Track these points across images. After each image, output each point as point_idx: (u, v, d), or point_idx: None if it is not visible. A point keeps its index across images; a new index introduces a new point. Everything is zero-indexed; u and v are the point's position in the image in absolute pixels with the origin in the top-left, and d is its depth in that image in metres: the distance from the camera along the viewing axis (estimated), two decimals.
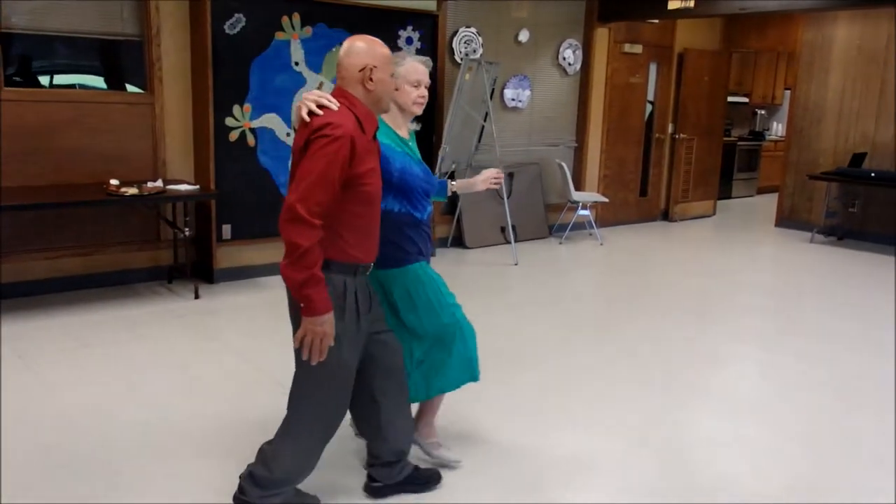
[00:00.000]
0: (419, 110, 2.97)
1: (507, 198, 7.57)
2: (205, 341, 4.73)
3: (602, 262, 7.65)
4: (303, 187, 2.35)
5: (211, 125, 5.77)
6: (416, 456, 3.15)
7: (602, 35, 8.59)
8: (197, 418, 3.63)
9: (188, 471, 3.14)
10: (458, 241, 7.79)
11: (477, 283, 6.45)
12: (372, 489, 2.99)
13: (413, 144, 3.05)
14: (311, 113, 2.45)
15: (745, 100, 12.55)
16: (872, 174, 8.19)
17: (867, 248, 8.42)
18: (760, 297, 6.36)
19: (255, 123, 6.01)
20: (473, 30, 7.44)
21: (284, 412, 2.67)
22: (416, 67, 2.89)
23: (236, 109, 5.89)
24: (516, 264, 7.12)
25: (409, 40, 6.76)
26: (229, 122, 5.87)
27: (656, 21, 8.90)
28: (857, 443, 3.64)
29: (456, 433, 3.50)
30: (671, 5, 7.53)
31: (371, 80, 2.53)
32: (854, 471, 3.37)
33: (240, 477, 2.73)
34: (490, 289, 6.32)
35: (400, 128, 2.97)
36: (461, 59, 7.26)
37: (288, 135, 6.15)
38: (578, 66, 8.50)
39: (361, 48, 2.53)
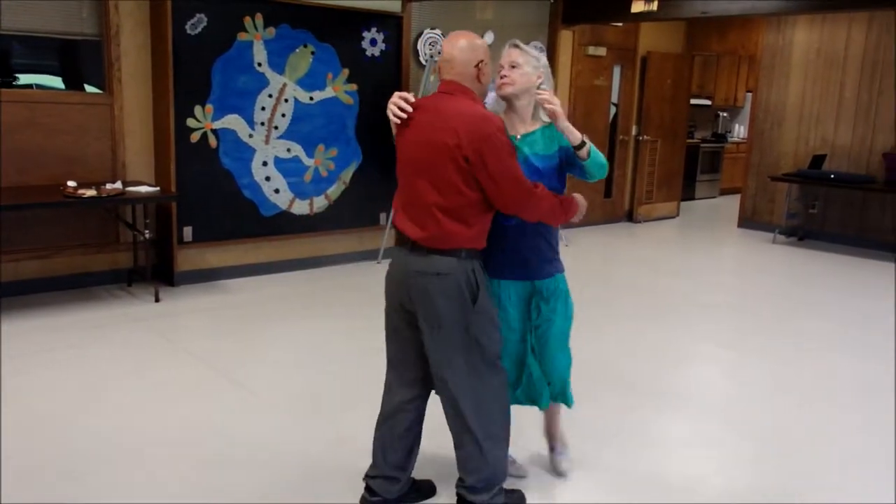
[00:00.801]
0: (504, 90, 2.77)
1: None
2: (166, 344, 4.65)
3: (567, 262, 7.60)
4: (521, 178, 2.58)
5: (172, 126, 5.69)
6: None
7: (566, 37, 8.64)
8: (159, 422, 3.57)
9: (153, 476, 3.09)
10: None
11: None
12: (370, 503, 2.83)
13: (529, 141, 2.86)
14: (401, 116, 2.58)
15: (708, 102, 12.71)
16: (832, 175, 8.34)
17: (827, 248, 8.56)
18: (726, 296, 6.44)
19: (217, 124, 5.94)
20: (438, 31, 7.44)
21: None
22: None
23: (198, 110, 5.81)
24: None
25: (373, 42, 6.74)
26: (191, 123, 5.80)
27: (620, 24, 8.98)
28: (827, 442, 3.68)
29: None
30: (634, 8, 7.59)
31: (483, 73, 2.64)
32: (824, 470, 3.40)
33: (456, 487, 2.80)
34: None
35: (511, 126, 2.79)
36: (426, 61, 7.26)
37: (251, 136, 6.09)
38: None
39: (469, 44, 2.62)
